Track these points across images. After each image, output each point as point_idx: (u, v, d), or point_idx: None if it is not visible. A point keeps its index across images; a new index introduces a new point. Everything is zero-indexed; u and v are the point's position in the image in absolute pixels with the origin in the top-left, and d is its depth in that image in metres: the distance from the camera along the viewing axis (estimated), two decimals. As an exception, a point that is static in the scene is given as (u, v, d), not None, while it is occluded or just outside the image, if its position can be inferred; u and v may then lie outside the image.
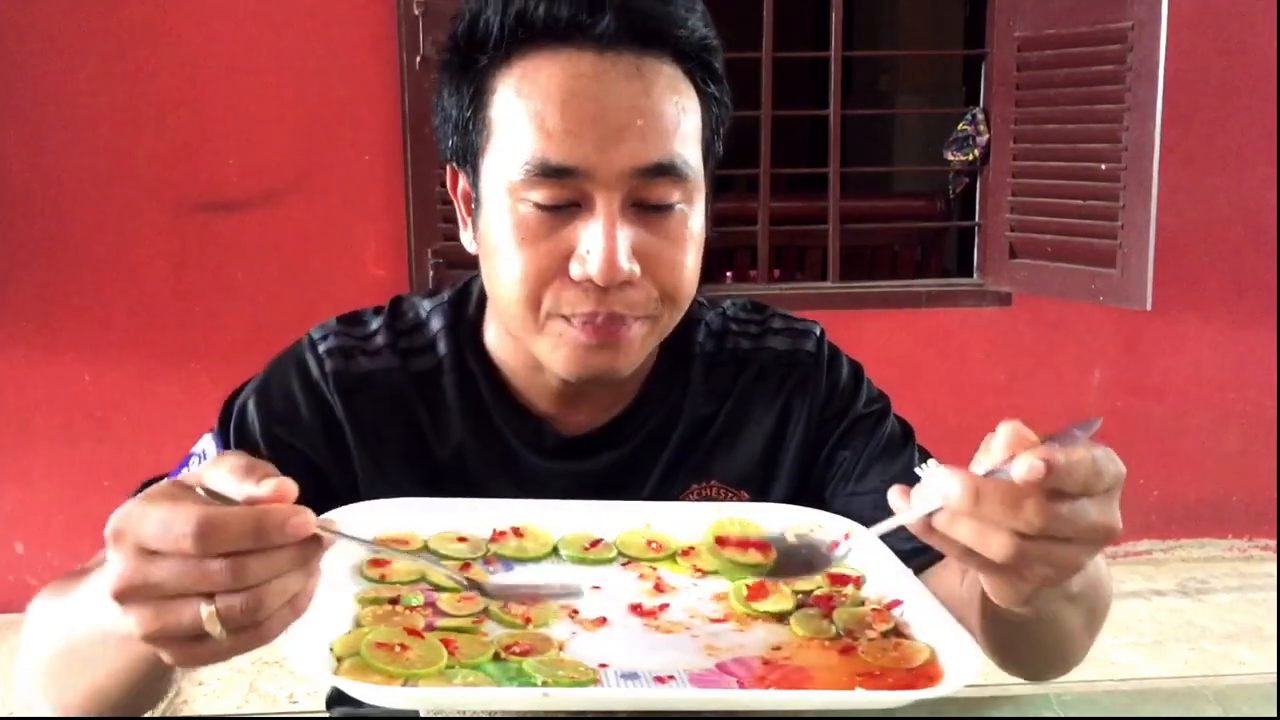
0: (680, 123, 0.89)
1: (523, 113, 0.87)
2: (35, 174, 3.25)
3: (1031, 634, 0.85)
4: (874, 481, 1.03)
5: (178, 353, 3.35)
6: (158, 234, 3.31)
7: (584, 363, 0.91)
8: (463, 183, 0.97)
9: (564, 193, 0.87)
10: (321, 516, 0.83)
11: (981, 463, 0.67)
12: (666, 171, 0.88)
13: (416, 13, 3.19)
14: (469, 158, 0.93)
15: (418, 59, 3.21)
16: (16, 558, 3.40)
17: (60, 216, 3.27)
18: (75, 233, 3.28)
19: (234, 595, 0.61)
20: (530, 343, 0.93)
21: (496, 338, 1.01)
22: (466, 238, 0.98)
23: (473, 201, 0.95)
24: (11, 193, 3.24)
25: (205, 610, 0.61)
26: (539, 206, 0.88)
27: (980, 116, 3.59)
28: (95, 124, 3.24)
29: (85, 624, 0.77)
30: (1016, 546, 0.64)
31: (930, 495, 0.66)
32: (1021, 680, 0.97)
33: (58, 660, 0.82)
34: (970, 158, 3.62)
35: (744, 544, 0.80)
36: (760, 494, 1.03)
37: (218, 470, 0.65)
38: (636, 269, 0.88)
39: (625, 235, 0.87)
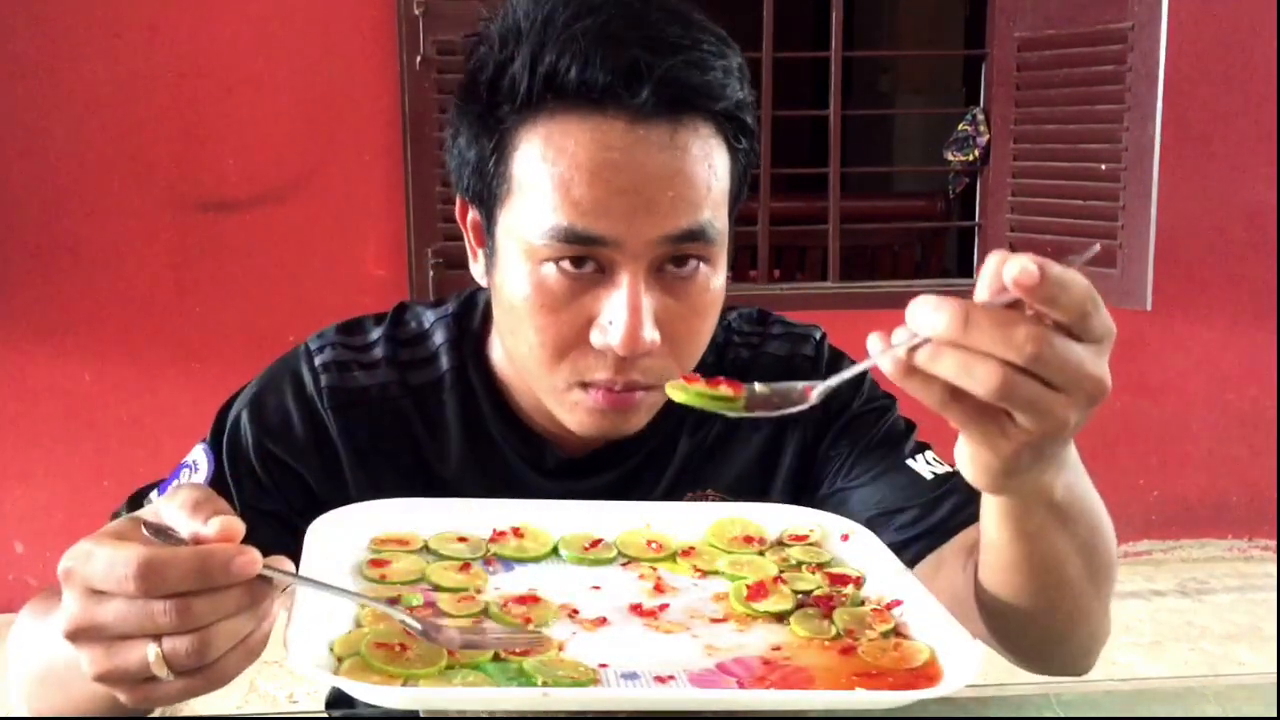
0: (711, 188, 0.86)
1: (548, 177, 0.84)
2: (36, 174, 3.25)
3: (1024, 566, 0.79)
4: (864, 474, 1.02)
5: (178, 353, 3.35)
6: (158, 234, 3.32)
7: (598, 425, 0.90)
8: (473, 215, 0.94)
9: (587, 260, 0.85)
10: (318, 519, 0.84)
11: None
12: (695, 238, 0.85)
13: (416, 13, 3.19)
14: (485, 203, 0.91)
15: (418, 59, 3.21)
16: (16, 558, 3.40)
17: (61, 217, 3.27)
18: (76, 233, 3.28)
19: (180, 637, 0.61)
20: (545, 398, 0.92)
21: (500, 359, 1.00)
22: (477, 270, 0.96)
23: (485, 237, 0.93)
24: (12, 193, 3.25)
25: (152, 652, 0.61)
26: (559, 272, 0.85)
27: (980, 116, 3.59)
28: (95, 124, 3.24)
29: (60, 649, 0.76)
30: (1005, 377, 0.59)
31: (915, 328, 0.61)
32: (1021, 680, 0.97)
33: (36, 683, 0.82)
34: (970, 158, 3.62)
35: (714, 382, 0.75)
36: (757, 500, 1.02)
37: (170, 505, 0.65)
38: (658, 338, 0.86)
39: (649, 305, 0.85)
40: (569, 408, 0.90)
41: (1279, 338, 3.64)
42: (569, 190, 0.83)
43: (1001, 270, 0.59)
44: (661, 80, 0.82)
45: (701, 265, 0.88)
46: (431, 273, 3.28)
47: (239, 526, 0.63)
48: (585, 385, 0.89)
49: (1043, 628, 0.88)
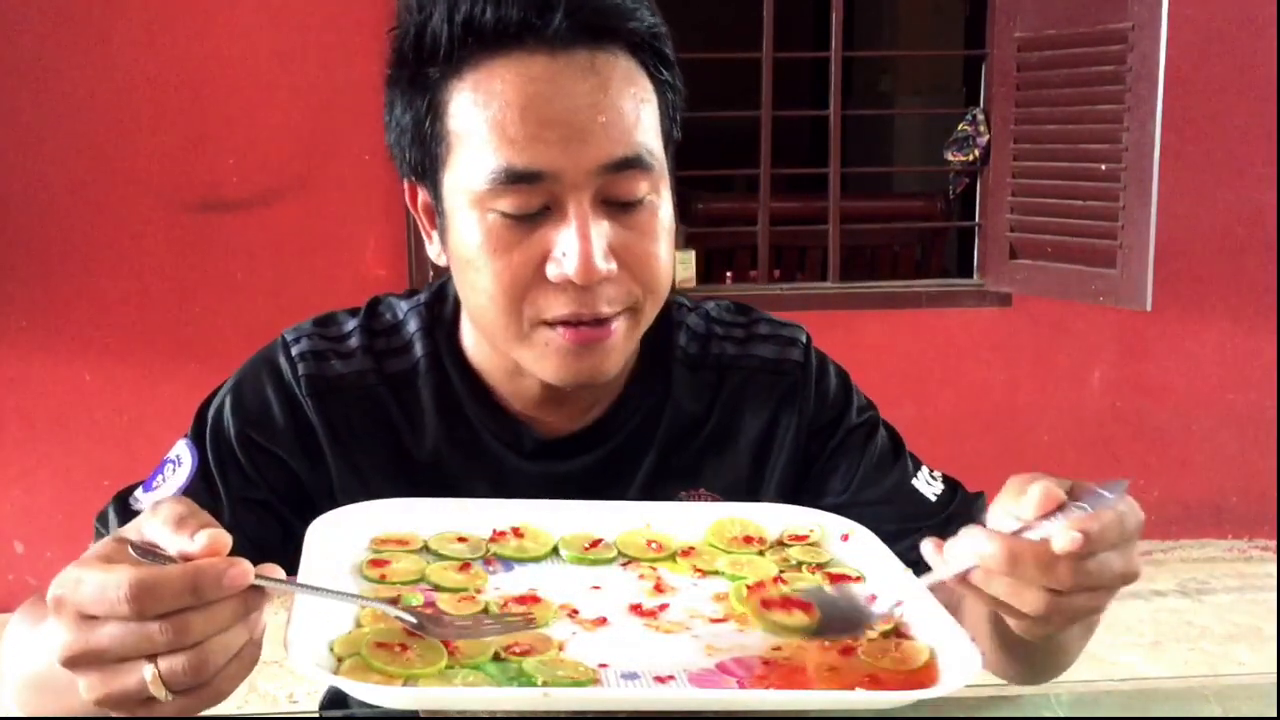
0: (640, 114, 0.88)
1: (481, 122, 0.86)
2: (36, 174, 3.25)
3: (1036, 654, 0.88)
4: (873, 495, 1.04)
5: (178, 353, 3.34)
6: (158, 234, 3.31)
7: (572, 368, 0.90)
8: (423, 196, 0.95)
9: (532, 199, 0.86)
10: (318, 519, 0.84)
11: (1005, 510, 0.71)
12: (633, 165, 0.87)
13: (416, 13, 3.18)
14: (428, 171, 0.92)
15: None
16: (16, 558, 3.40)
17: (61, 217, 3.27)
18: (76, 233, 3.28)
19: (177, 655, 0.61)
20: (514, 352, 0.92)
21: (474, 342, 1.00)
22: (434, 251, 0.97)
23: (436, 214, 0.94)
24: (12, 193, 3.24)
25: (149, 673, 0.61)
26: (507, 215, 0.87)
27: (980, 117, 3.59)
28: (95, 124, 3.24)
29: (53, 662, 0.76)
30: (1050, 602, 0.69)
31: (965, 553, 0.70)
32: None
33: (30, 689, 0.82)
34: (970, 158, 3.62)
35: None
36: (749, 498, 1.02)
37: (152, 523, 0.65)
38: (614, 266, 0.87)
39: (600, 233, 0.86)
40: (539, 352, 0.90)
41: (1279, 338, 3.64)
42: (503, 130, 0.85)
43: (1040, 509, 0.69)
44: (572, 6, 0.85)
45: (647, 199, 0.89)
46: (431, 273, 3.28)
47: (225, 539, 0.63)
48: (550, 324, 0.89)
49: (1034, 674, 0.96)
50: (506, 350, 0.93)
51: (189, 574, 0.60)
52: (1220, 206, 3.63)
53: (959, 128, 3.64)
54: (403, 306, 1.04)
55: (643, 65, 0.90)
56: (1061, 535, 0.66)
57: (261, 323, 3.39)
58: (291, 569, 0.73)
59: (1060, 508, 0.69)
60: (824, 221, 3.63)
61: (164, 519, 0.64)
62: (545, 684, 0.68)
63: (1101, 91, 3.16)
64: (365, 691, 0.64)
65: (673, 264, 0.94)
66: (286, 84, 3.30)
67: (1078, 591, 0.69)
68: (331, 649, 0.70)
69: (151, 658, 0.61)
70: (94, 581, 0.61)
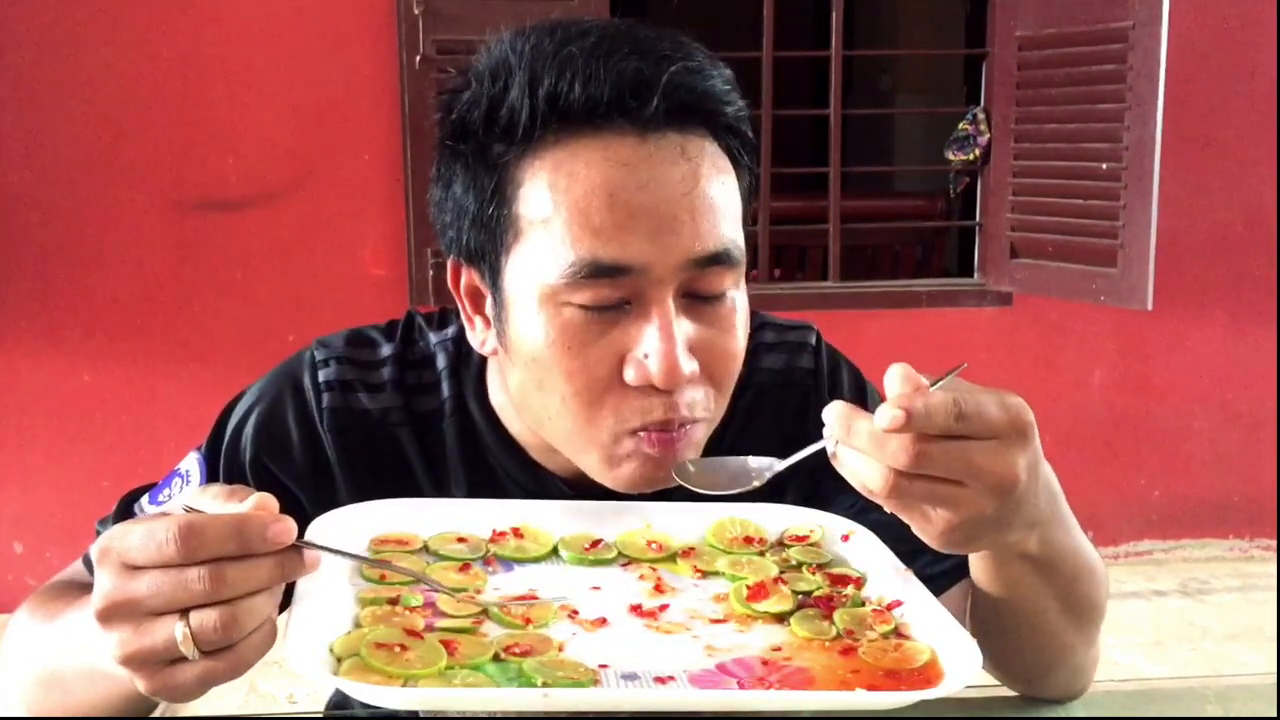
0: (728, 206, 0.83)
1: (561, 208, 0.79)
2: (35, 173, 3.25)
3: (1003, 609, 0.85)
4: (877, 516, 1.00)
5: (178, 353, 3.35)
6: (157, 233, 3.32)
7: (648, 478, 0.86)
8: (468, 278, 0.89)
9: (614, 293, 0.80)
10: (318, 519, 0.84)
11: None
12: (721, 261, 0.82)
13: (416, 12, 3.19)
14: (487, 256, 0.85)
15: (417, 58, 3.21)
16: (16, 558, 3.40)
17: (60, 216, 3.27)
18: (75, 232, 3.28)
19: (209, 611, 0.62)
20: (582, 457, 0.87)
21: (502, 402, 0.95)
22: (477, 339, 0.91)
23: (490, 302, 0.87)
24: (11, 192, 3.25)
25: (179, 630, 0.62)
26: (586, 309, 0.81)
27: (981, 116, 3.59)
28: (95, 123, 3.24)
29: (67, 654, 0.77)
30: (891, 480, 0.67)
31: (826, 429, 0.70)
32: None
33: (39, 685, 0.82)
34: (971, 157, 3.62)
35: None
36: None
37: (201, 498, 0.67)
38: (696, 367, 0.82)
39: (682, 332, 0.81)
40: (619, 462, 0.85)
41: (1279, 338, 3.64)
42: (587, 218, 0.79)
43: (899, 388, 0.67)
44: (668, 87, 0.79)
45: (729, 291, 0.85)
46: (431, 273, 3.28)
47: (273, 501, 0.65)
48: (635, 432, 0.83)
49: (1025, 661, 0.93)
50: (572, 455, 0.88)
51: (236, 520, 0.63)
52: (1220, 206, 3.63)
53: (959, 127, 3.64)
54: (434, 339, 0.98)
55: (727, 151, 0.85)
56: (881, 412, 0.65)
57: (261, 323, 3.43)
58: (289, 600, 0.73)
59: (919, 390, 0.67)
60: (824, 221, 3.63)
61: (214, 494, 0.67)
62: (545, 685, 0.68)
63: (1102, 90, 3.16)
64: (365, 692, 0.64)
65: (743, 354, 0.89)
66: (286, 84, 3.30)
67: (929, 480, 0.66)
68: (331, 650, 0.70)
69: (184, 616, 0.62)
70: (142, 529, 0.63)
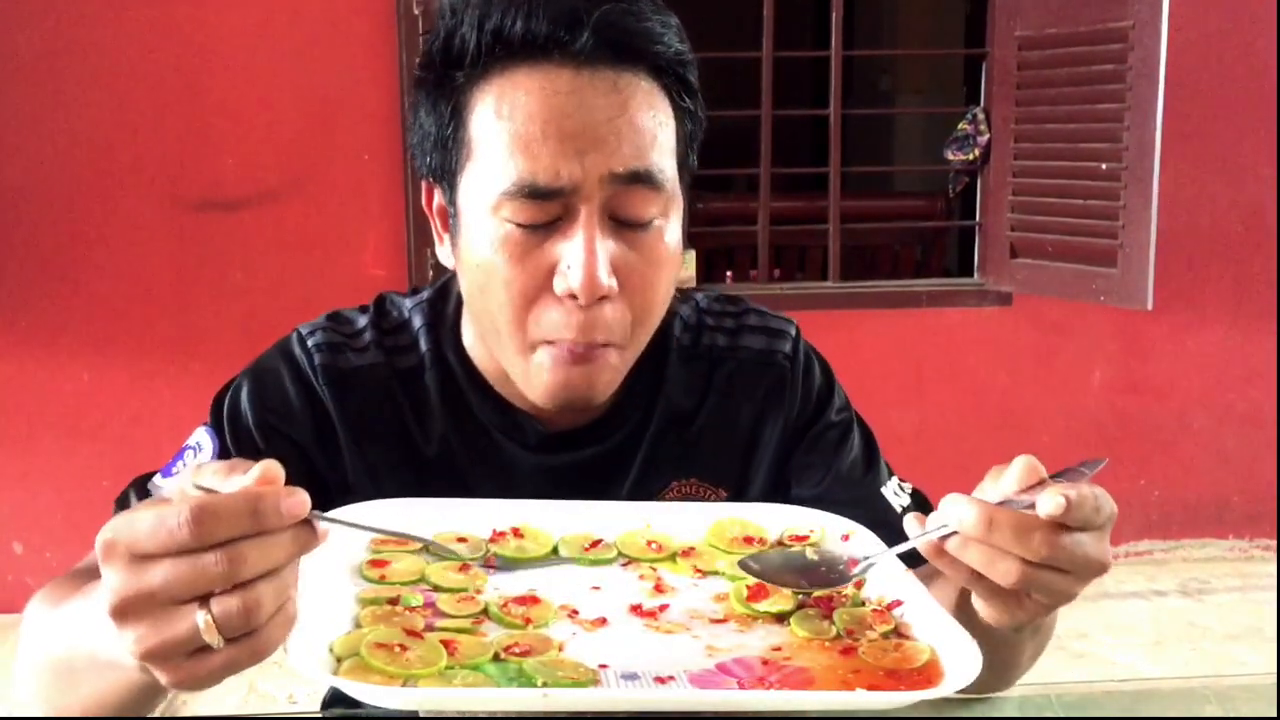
0: (657, 135, 0.89)
1: (502, 131, 0.87)
2: (35, 173, 3.25)
3: (993, 656, 0.85)
4: (839, 496, 1.03)
5: (177, 352, 3.34)
6: (157, 233, 3.31)
7: (563, 388, 0.91)
8: (438, 198, 0.97)
9: (547, 211, 0.87)
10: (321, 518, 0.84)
11: (989, 489, 0.73)
12: (643, 180, 0.88)
13: (416, 12, 3.19)
14: (446, 174, 0.93)
15: (417, 59, 3.21)
16: (16, 558, 3.40)
17: (60, 216, 3.27)
18: (75, 232, 3.28)
19: (231, 596, 0.59)
20: (509, 364, 0.94)
21: (474, 341, 1.02)
22: (443, 252, 0.98)
23: (450, 217, 0.95)
24: (11, 192, 3.24)
25: (202, 619, 0.59)
26: (521, 225, 0.88)
27: (981, 116, 3.59)
28: (95, 123, 3.24)
29: (76, 644, 0.75)
30: (1023, 572, 0.69)
31: (945, 520, 0.71)
32: (1022, 680, 0.97)
33: (48, 676, 0.81)
34: (971, 157, 3.62)
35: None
36: (737, 493, 1.04)
37: (202, 475, 0.64)
38: (614, 284, 0.88)
39: (605, 249, 0.88)
40: (534, 371, 0.92)
41: (1279, 338, 3.64)
42: (524, 141, 0.86)
43: (1022, 482, 0.71)
44: (600, 24, 0.86)
45: (655, 222, 0.90)
46: (431, 273, 3.28)
47: (278, 469, 0.62)
48: (551, 343, 0.90)
49: (980, 685, 0.95)
50: (502, 360, 0.95)
51: (250, 497, 0.60)
52: (1220, 206, 3.63)
53: (959, 127, 3.64)
54: (407, 304, 1.06)
55: (665, 90, 0.91)
56: (1046, 499, 0.68)
57: (261, 323, 3.42)
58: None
59: (1040, 484, 0.71)
60: (824, 221, 3.63)
61: (213, 470, 0.64)
62: (545, 684, 0.68)
63: (1102, 90, 3.16)
64: (365, 692, 0.64)
65: (671, 294, 0.95)
66: (286, 84, 3.29)
67: (1050, 570, 0.70)
68: (331, 650, 0.70)
69: (204, 603, 0.60)
70: (149, 516, 0.59)
